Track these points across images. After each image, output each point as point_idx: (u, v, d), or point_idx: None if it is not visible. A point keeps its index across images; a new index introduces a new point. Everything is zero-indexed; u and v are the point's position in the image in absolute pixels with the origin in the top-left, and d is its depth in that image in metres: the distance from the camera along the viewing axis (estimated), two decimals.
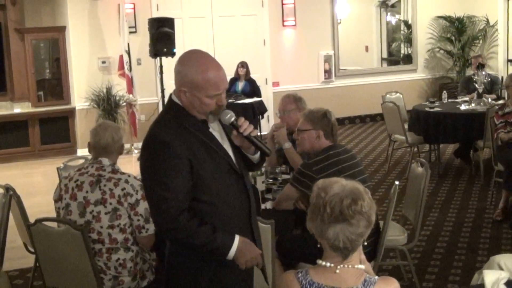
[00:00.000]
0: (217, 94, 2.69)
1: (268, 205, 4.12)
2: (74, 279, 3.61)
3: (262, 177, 4.37)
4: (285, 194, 4.00)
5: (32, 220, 4.33)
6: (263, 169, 4.47)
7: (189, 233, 2.58)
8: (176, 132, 2.63)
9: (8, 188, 4.34)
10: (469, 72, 11.66)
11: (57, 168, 5.08)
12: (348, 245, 2.21)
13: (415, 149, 8.28)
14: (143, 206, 3.58)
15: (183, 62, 2.68)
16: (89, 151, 3.77)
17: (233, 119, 2.76)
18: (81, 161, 5.28)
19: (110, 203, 3.52)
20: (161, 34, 9.72)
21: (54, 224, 3.82)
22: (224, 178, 2.71)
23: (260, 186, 4.27)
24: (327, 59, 12.17)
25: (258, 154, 2.92)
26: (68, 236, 3.46)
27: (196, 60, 2.68)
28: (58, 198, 3.64)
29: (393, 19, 14.71)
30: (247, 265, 2.74)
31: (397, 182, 4.16)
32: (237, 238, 2.68)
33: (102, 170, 3.60)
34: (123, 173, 3.64)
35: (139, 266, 3.68)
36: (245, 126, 2.77)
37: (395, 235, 4.42)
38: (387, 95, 9.14)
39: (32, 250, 4.54)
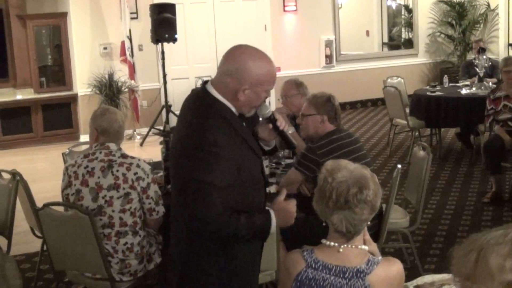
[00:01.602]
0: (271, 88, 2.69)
1: (272, 189, 4.17)
2: (82, 262, 3.68)
3: (266, 162, 4.41)
4: (289, 178, 4.05)
5: (39, 205, 4.43)
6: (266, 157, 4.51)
7: (235, 226, 2.54)
8: (225, 132, 2.55)
9: (14, 174, 4.39)
10: (470, 56, 11.69)
11: (62, 154, 5.12)
12: (351, 229, 2.29)
13: (416, 133, 8.33)
14: (153, 189, 3.68)
15: (243, 59, 2.59)
16: (95, 138, 3.77)
17: (271, 113, 2.77)
18: (85, 146, 5.31)
19: (123, 188, 3.59)
20: (163, 19, 9.74)
21: (60, 209, 3.87)
22: (252, 168, 2.70)
23: (266, 171, 4.31)
24: (328, 44, 12.19)
25: (272, 146, 2.92)
26: (76, 220, 3.52)
27: (256, 56, 2.61)
28: (67, 185, 3.69)
29: (393, 4, 14.69)
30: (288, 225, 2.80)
31: (399, 166, 4.21)
32: (271, 212, 2.70)
33: (111, 155, 3.66)
34: (133, 157, 3.70)
35: (146, 249, 3.74)
36: (282, 121, 2.78)
37: (398, 218, 4.48)
38: (388, 80, 9.18)
39: (39, 234, 4.62)
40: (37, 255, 5.35)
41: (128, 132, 10.63)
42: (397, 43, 14.43)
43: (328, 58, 12.22)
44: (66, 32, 10.50)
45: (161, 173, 4.27)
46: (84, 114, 10.45)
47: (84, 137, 10.40)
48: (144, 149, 9.83)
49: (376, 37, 14.78)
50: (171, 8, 9.89)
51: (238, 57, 2.60)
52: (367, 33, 14.79)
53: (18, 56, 10.38)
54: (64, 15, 10.43)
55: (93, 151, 3.73)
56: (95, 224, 3.50)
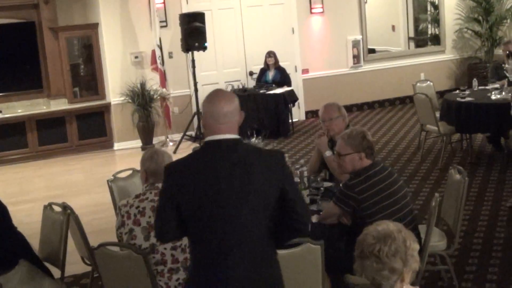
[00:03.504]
0: None
1: (313, 219, 4.30)
2: None
3: (307, 191, 4.56)
4: (329, 212, 4.19)
5: (89, 235, 4.64)
6: (306, 183, 4.65)
7: None
8: None
9: (65, 207, 4.58)
10: (498, 51, 11.69)
11: (108, 181, 5.29)
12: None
13: (446, 138, 8.40)
14: None
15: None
16: (144, 179, 3.97)
17: None
18: (129, 172, 5.49)
19: None
20: (193, 29, 9.91)
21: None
22: None
23: (305, 200, 4.45)
24: (355, 44, 12.26)
25: None
26: (130, 260, 3.70)
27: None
28: (120, 225, 3.86)
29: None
30: None
31: (436, 194, 4.31)
32: None
33: None
34: None
35: None
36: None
37: (435, 241, 4.57)
38: (418, 84, 9.25)
39: (88, 262, 4.83)
40: (83, 277, 5.58)
41: (161, 138, 10.85)
42: (423, 37, 14.42)
43: (356, 58, 12.30)
44: (97, 42, 10.70)
45: None
46: (117, 122, 10.69)
47: (118, 145, 10.68)
48: (177, 156, 9.99)
49: (402, 31, 14.77)
50: (200, 17, 10.04)
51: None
52: (393, 27, 14.80)
53: (51, 67, 10.62)
54: (95, 26, 10.63)
55: (143, 191, 3.90)
56: (148, 263, 3.67)
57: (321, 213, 4.30)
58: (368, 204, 3.98)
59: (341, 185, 4.20)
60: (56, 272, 4.56)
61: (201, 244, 2.90)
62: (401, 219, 3.86)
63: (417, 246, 2.57)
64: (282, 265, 3.54)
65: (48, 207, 4.75)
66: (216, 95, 3.00)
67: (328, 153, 5.01)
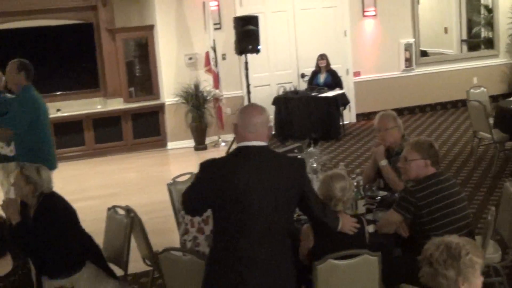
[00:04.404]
0: None
1: (370, 228, 4.37)
2: None
3: (363, 201, 4.64)
4: (388, 220, 4.24)
5: (151, 236, 4.82)
6: (362, 192, 4.73)
7: None
8: None
9: (129, 210, 4.76)
10: None
11: (167, 184, 5.45)
12: None
13: (500, 145, 8.36)
14: None
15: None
16: None
17: None
18: (187, 176, 5.64)
19: None
20: (246, 32, 10.05)
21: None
22: None
23: (361, 210, 4.54)
24: (407, 47, 12.25)
25: None
26: (193, 264, 3.85)
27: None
28: (184, 232, 4.03)
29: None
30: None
31: (493, 208, 4.35)
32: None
33: None
34: None
35: None
36: None
37: (490, 253, 4.61)
38: (471, 90, 9.22)
39: (148, 263, 5.01)
40: (143, 275, 5.76)
41: (213, 139, 11.03)
42: (476, 40, 14.30)
43: (408, 61, 12.28)
44: (153, 44, 10.93)
45: None
46: (171, 122, 10.91)
47: (171, 145, 10.91)
48: None
49: (455, 34, 14.67)
50: (254, 20, 10.16)
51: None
52: (445, 30, 14.70)
53: (108, 67, 10.89)
54: (151, 28, 10.86)
55: None
56: None
57: (377, 223, 4.36)
58: (428, 211, 4.04)
59: (402, 192, 4.26)
60: (118, 272, 4.76)
61: (221, 230, 3.37)
62: (458, 230, 3.93)
63: (478, 260, 2.64)
64: (340, 275, 3.67)
65: (112, 209, 4.95)
66: (249, 108, 3.53)
67: (383, 162, 5.07)
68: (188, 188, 3.51)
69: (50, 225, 4.28)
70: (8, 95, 6.55)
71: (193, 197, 3.46)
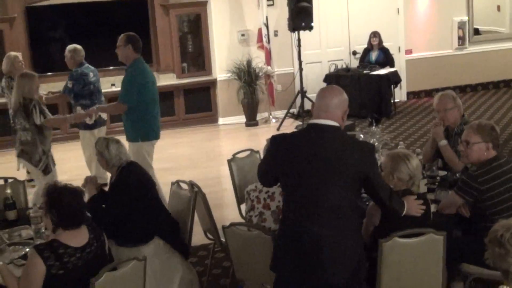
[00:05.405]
0: None
1: (432, 208, 4.41)
2: (262, 274, 4.10)
3: (424, 180, 4.66)
4: (449, 201, 4.28)
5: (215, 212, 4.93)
6: (424, 173, 4.75)
7: None
8: None
9: (192, 185, 4.86)
10: None
11: (228, 160, 5.54)
12: None
13: None
14: None
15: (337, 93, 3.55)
16: None
17: None
18: (247, 152, 5.72)
19: None
20: (300, 9, 10.05)
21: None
22: None
23: (423, 189, 4.57)
24: (461, 25, 12.11)
25: None
26: (260, 239, 3.94)
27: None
28: (250, 208, 4.12)
29: None
30: None
31: None
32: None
33: None
34: None
35: None
36: None
37: None
38: None
39: (210, 237, 5.12)
40: (201, 248, 5.89)
41: (264, 115, 11.10)
42: None
43: (461, 39, 12.15)
44: (206, 20, 11.01)
45: None
46: (222, 98, 11.02)
47: (222, 120, 11.01)
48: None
49: (508, 12, 14.40)
50: None
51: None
52: (498, 7, 14.45)
53: (161, 43, 11.01)
54: (204, 4, 10.94)
55: None
56: None
57: (440, 203, 4.40)
58: (490, 195, 4.07)
59: (463, 175, 4.29)
60: None
61: (290, 203, 3.49)
62: None
63: None
64: (405, 253, 3.73)
65: (176, 184, 5.06)
66: (326, 89, 3.68)
67: (443, 142, 5.08)
68: (261, 161, 3.73)
69: (119, 196, 4.40)
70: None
71: (264, 169, 3.66)
